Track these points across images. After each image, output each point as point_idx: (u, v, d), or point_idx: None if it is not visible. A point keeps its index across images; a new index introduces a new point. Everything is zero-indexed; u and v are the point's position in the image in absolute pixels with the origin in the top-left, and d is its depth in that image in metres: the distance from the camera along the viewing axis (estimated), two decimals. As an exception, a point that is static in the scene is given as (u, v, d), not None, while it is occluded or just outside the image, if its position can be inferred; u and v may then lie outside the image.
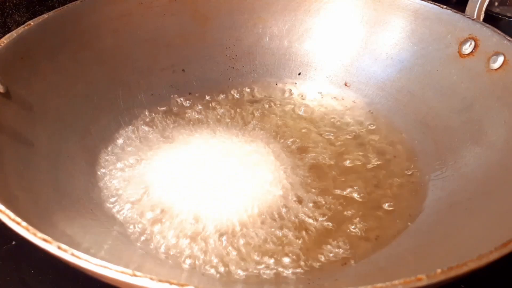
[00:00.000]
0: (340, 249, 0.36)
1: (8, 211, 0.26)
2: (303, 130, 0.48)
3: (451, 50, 0.45)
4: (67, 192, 0.36)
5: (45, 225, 0.29)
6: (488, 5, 0.51)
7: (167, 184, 0.40)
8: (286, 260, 0.35)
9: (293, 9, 0.53)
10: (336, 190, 0.41)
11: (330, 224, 0.38)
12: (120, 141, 0.44)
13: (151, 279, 0.22)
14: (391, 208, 0.40)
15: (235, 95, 0.52)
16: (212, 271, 0.34)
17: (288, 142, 0.46)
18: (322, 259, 0.35)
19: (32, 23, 0.40)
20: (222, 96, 0.52)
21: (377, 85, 0.51)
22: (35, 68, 0.40)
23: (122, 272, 0.23)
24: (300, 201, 0.39)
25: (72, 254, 0.24)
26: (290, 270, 0.34)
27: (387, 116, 0.49)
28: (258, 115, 0.49)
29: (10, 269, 0.36)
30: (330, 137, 0.47)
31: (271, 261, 0.35)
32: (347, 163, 0.44)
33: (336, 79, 0.53)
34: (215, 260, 0.34)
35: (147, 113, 0.48)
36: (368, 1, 0.51)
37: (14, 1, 0.51)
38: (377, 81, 0.51)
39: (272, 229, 0.37)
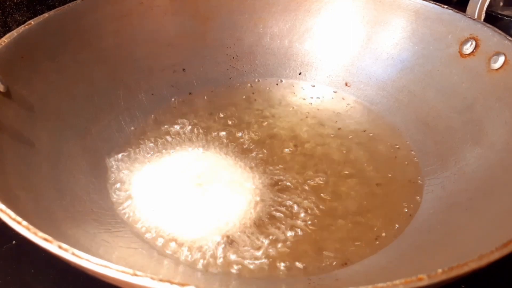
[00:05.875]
0: (340, 249, 0.36)
1: (8, 211, 0.26)
2: (304, 131, 0.48)
3: (452, 50, 0.45)
4: (68, 192, 0.36)
5: (46, 225, 0.29)
6: (489, 5, 0.51)
7: (166, 185, 0.40)
8: (285, 260, 0.35)
9: (293, 9, 0.53)
10: (336, 190, 0.41)
11: (329, 224, 0.38)
12: (120, 141, 0.44)
13: (152, 278, 0.22)
14: (391, 208, 0.40)
15: (235, 95, 0.52)
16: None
17: (288, 142, 0.46)
18: (322, 259, 0.35)
19: (32, 23, 0.40)
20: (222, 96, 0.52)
21: (377, 85, 0.51)
22: (35, 67, 0.40)
23: (123, 272, 0.23)
24: (298, 201, 0.39)
25: (73, 254, 0.23)
26: (290, 271, 0.34)
27: (388, 116, 0.49)
28: (258, 115, 0.49)
29: (10, 269, 0.36)
30: (331, 137, 0.47)
31: (266, 262, 0.35)
32: (347, 163, 0.44)
33: (337, 79, 0.53)
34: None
35: (152, 116, 0.48)
36: (368, 1, 0.51)
37: (15, 0, 0.51)
38: (378, 81, 0.51)
39: (269, 230, 0.37)
